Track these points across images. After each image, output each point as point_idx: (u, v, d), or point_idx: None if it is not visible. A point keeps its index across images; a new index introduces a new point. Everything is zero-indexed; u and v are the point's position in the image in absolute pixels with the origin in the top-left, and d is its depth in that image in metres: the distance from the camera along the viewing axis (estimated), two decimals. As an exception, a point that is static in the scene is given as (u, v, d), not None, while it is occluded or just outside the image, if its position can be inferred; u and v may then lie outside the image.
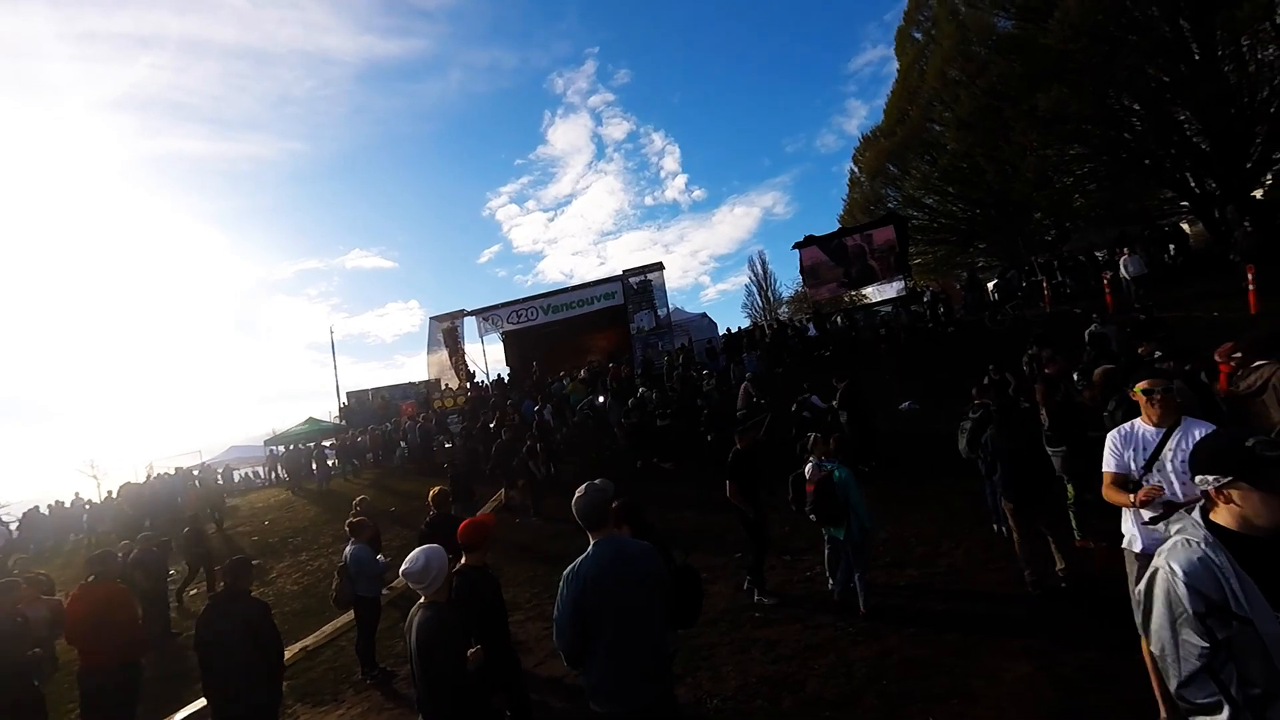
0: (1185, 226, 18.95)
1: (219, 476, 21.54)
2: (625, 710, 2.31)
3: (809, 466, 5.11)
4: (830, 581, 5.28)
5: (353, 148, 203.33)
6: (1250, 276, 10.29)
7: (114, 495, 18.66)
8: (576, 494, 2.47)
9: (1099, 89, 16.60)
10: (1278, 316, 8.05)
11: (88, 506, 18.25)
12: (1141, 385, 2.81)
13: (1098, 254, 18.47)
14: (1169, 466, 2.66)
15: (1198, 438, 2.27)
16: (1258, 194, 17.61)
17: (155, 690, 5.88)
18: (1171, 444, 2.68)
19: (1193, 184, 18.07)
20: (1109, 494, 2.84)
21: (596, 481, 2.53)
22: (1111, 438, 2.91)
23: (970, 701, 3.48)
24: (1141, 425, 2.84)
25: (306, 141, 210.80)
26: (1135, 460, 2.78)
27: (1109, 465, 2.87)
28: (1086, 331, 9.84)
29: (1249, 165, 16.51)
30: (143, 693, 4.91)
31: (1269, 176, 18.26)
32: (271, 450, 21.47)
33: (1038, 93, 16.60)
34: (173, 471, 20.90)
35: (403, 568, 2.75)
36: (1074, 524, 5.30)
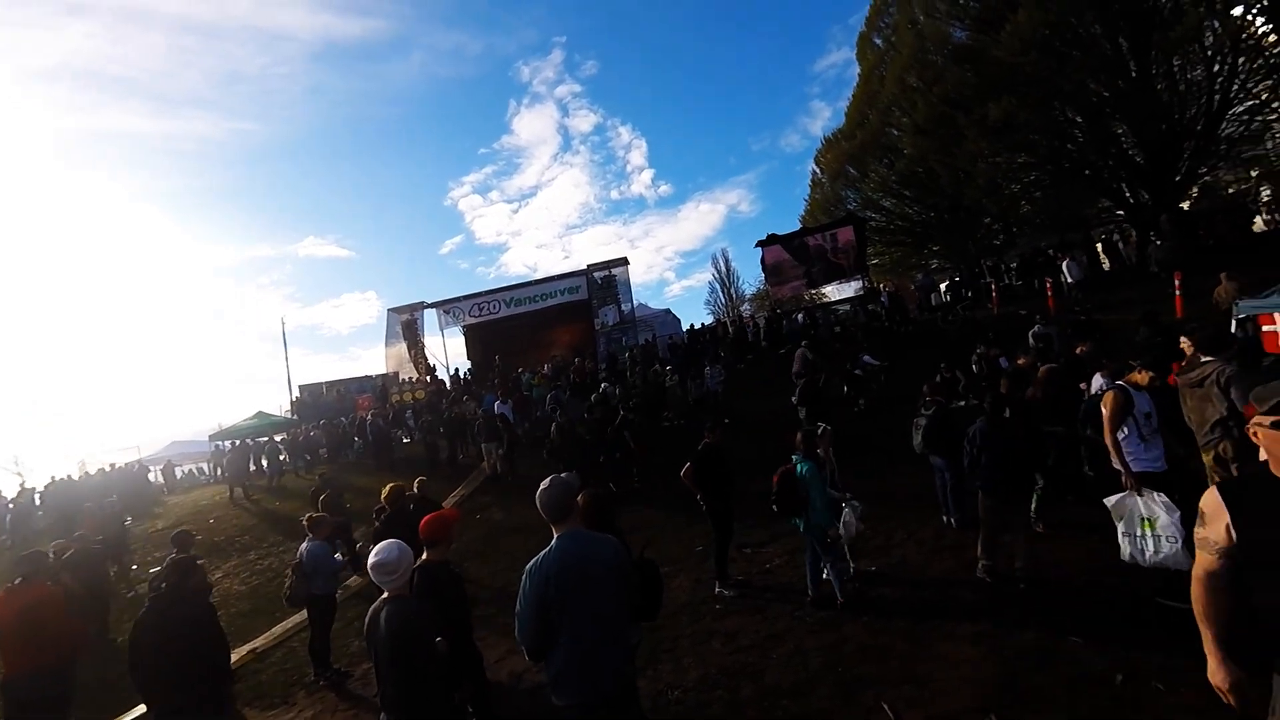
0: (1117, 237, 20.17)
1: (160, 475, 20.49)
2: (588, 702, 2.32)
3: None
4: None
5: (308, 130, 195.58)
6: (1177, 283, 11.00)
7: (38, 492, 17.55)
8: (541, 487, 2.47)
9: (1045, 101, 17.41)
10: (1202, 320, 8.63)
11: (10, 506, 17.06)
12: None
13: (1041, 258, 19.43)
14: None
15: None
16: (1184, 205, 18.82)
17: (90, 697, 5.57)
18: None
19: (1128, 194, 19.17)
20: None
21: (562, 475, 2.54)
22: None
23: (920, 685, 3.63)
24: None
25: (258, 121, 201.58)
26: None
27: None
28: (1030, 333, 10.36)
29: (1178, 178, 17.62)
30: (77, 701, 4.64)
31: (1195, 189, 19.53)
32: (217, 445, 20.53)
33: (989, 102, 17.30)
34: (108, 468, 19.85)
35: (372, 559, 2.68)
36: (1034, 510, 5.53)
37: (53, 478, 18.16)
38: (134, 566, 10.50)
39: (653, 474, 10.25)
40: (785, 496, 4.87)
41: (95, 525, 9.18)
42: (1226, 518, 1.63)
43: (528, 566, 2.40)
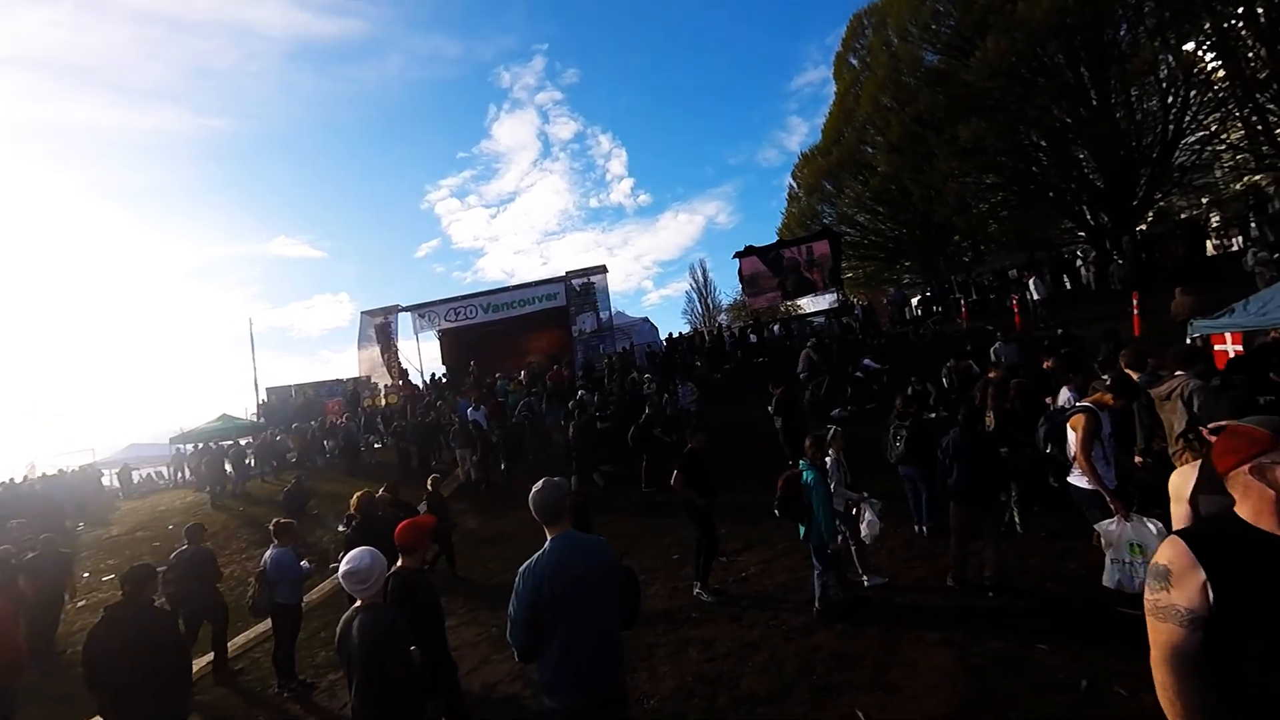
0: (1079, 260, 21.02)
1: (115, 478, 19.63)
2: (580, 705, 2.32)
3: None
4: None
5: (281, 129, 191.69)
6: (1135, 302, 11.48)
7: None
8: (534, 489, 2.47)
9: (1012, 124, 18.12)
10: (1159, 338, 9.02)
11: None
12: None
13: (1010, 273, 20.10)
14: None
15: None
16: (1142, 228, 19.71)
17: (35, 714, 5.30)
18: None
19: (1089, 216, 19.98)
20: None
21: (555, 478, 2.54)
22: None
23: (891, 691, 3.68)
24: None
25: (228, 118, 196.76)
26: None
27: None
28: (991, 349, 10.69)
29: (1135, 203, 18.44)
30: (19, 718, 4.41)
31: (1151, 214, 20.47)
32: (178, 449, 19.81)
33: (959, 124, 17.92)
34: (53, 472, 18.98)
35: (344, 568, 2.63)
36: (1016, 519, 5.69)
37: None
38: (85, 574, 10.04)
39: (630, 482, 10.23)
40: (788, 502, 4.84)
41: (26, 542, 8.66)
42: (1202, 576, 1.31)
43: (521, 568, 2.40)
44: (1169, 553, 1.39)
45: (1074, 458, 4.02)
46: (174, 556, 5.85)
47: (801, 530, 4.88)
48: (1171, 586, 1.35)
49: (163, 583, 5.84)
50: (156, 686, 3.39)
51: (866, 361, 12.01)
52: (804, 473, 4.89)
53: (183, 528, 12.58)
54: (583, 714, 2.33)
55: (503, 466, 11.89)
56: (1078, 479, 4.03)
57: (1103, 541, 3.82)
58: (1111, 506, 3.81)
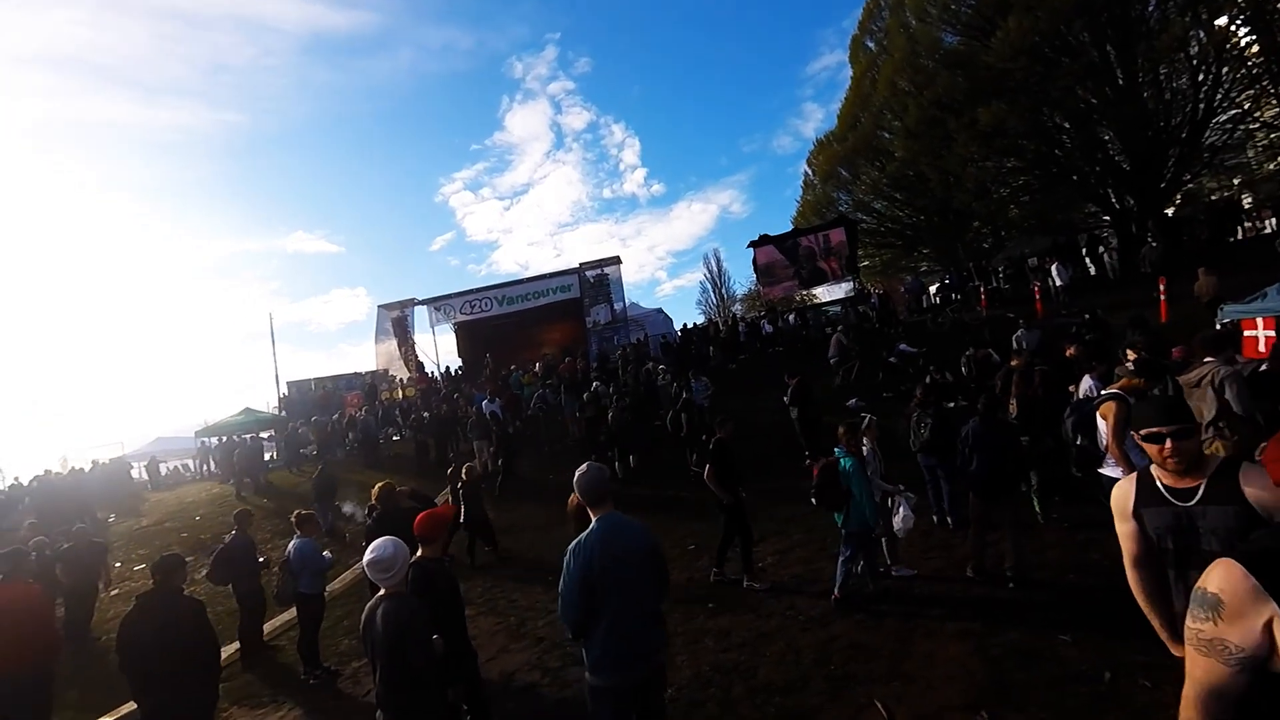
0: (1101, 248, 20.50)
1: (144, 471, 20.15)
2: (622, 687, 2.43)
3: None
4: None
5: (296, 123, 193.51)
6: (1162, 288, 11.18)
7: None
8: (579, 472, 2.59)
9: (1034, 106, 17.65)
10: (1185, 324, 8.79)
11: (-10, 501, 16.73)
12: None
13: (1031, 260, 19.68)
14: None
15: None
16: (1169, 211, 19.15)
17: (72, 698, 5.49)
18: None
19: (1114, 200, 19.45)
20: None
21: (597, 463, 2.67)
22: None
23: (908, 682, 3.67)
24: None
25: (244, 113, 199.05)
26: None
27: None
28: (1014, 336, 10.49)
29: (1163, 185, 17.91)
30: (56, 702, 4.57)
31: (1179, 196, 19.87)
32: (203, 442, 20.25)
33: (979, 107, 17.50)
34: (87, 466, 19.50)
35: (368, 557, 2.69)
36: (1037, 508, 5.62)
37: (15, 479, 17.84)
38: (117, 564, 10.33)
39: (646, 473, 10.26)
40: (826, 490, 4.77)
41: (56, 534, 8.86)
42: (1271, 610, 1.11)
43: (571, 546, 2.51)
44: (1222, 577, 1.18)
45: (1106, 447, 3.91)
46: (226, 542, 6.29)
47: (839, 518, 4.83)
48: (1223, 619, 1.16)
49: (212, 564, 6.28)
50: (185, 672, 3.49)
51: (902, 346, 11.95)
52: (841, 460, 4.85)
53: (209, 519, 12.90)
54: (623, 695, 2.45)
55: (500, 462, 11.66)
56: (1110, 469, 3.90)
57: None
58: None
